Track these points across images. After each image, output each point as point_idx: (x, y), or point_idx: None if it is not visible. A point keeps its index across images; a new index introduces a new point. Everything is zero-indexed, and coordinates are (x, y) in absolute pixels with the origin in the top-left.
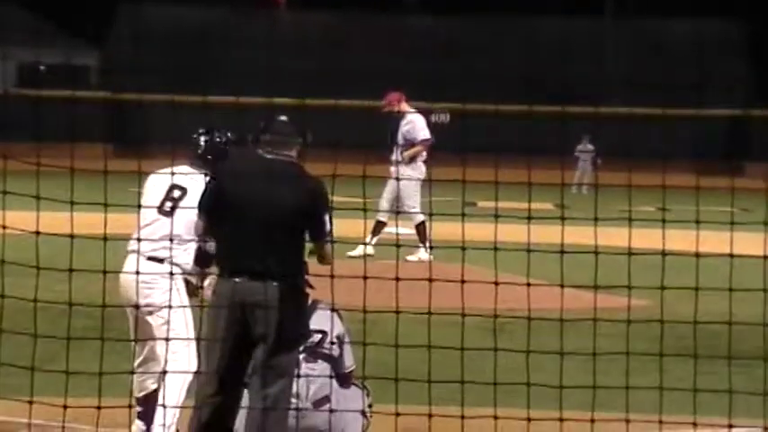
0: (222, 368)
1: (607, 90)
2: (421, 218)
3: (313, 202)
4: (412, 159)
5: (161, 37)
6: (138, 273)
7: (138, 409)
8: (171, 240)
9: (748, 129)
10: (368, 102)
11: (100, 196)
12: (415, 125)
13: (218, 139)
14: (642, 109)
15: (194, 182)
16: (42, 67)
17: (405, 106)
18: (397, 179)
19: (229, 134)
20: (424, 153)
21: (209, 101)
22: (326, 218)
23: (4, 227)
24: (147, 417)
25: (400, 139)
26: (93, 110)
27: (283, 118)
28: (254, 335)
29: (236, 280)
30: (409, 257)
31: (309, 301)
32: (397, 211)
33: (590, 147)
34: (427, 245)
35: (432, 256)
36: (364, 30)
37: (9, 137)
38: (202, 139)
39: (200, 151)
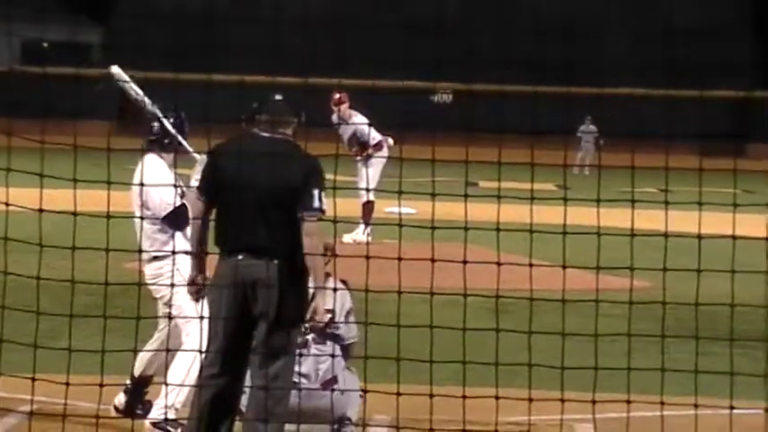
0: (224, 347)
1: (610, 70)
2: (365, 198)
3: (308, 178)
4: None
5: (165, 14)
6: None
7: (129, 383)
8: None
9: (751, 110)
10: (372, 81)
11: (103, 173)
12: (364, 131)
13: (171, 121)
14: (645, 90)
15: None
16: (45, 44)
17: (345, 108)
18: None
19: (183, 114)
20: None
21: (213, 79)
22: (317, 192)
23: (7, 204)
24: (131, 394)
25: (348, 140)
26: (95, 87)
27: (278, 97)
28: (254, 313)
29: (237, 258)
30: (346, 237)
31: None
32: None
33: (593, 127)
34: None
35: (370, 237)
36: (369, 8)
37: (12, 113)
38: (155, 122)
39: (152, 137)
